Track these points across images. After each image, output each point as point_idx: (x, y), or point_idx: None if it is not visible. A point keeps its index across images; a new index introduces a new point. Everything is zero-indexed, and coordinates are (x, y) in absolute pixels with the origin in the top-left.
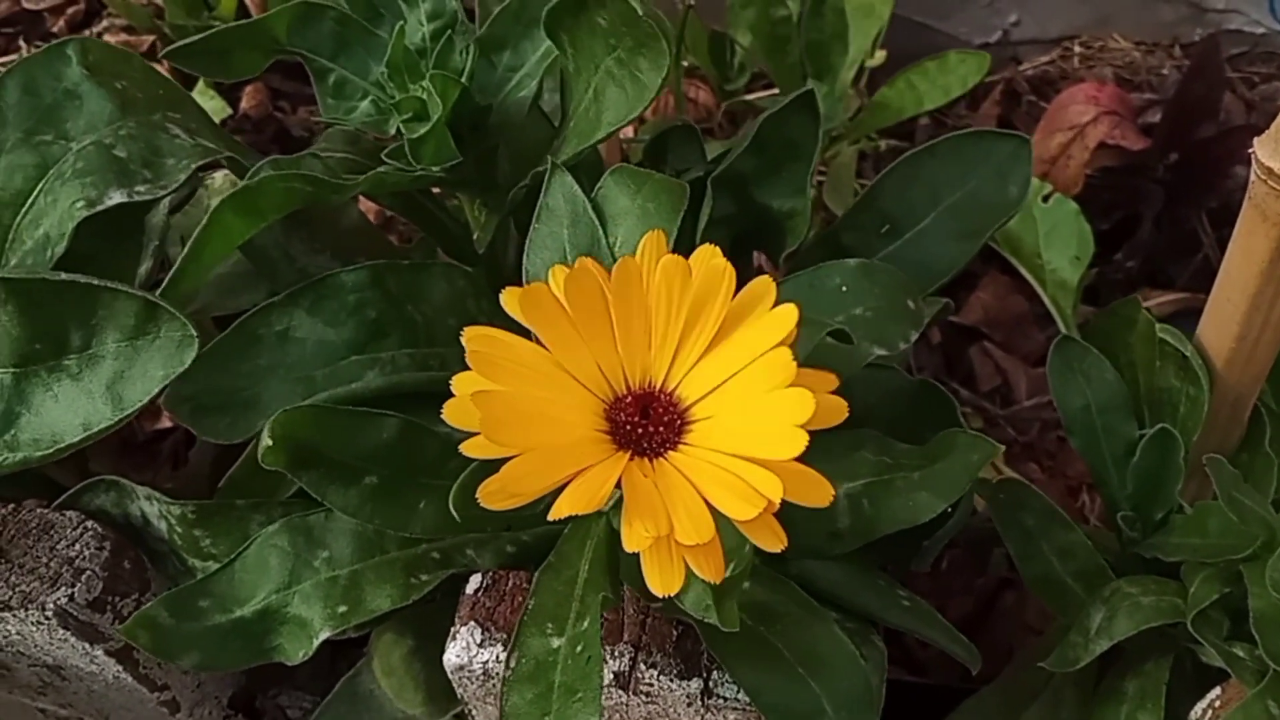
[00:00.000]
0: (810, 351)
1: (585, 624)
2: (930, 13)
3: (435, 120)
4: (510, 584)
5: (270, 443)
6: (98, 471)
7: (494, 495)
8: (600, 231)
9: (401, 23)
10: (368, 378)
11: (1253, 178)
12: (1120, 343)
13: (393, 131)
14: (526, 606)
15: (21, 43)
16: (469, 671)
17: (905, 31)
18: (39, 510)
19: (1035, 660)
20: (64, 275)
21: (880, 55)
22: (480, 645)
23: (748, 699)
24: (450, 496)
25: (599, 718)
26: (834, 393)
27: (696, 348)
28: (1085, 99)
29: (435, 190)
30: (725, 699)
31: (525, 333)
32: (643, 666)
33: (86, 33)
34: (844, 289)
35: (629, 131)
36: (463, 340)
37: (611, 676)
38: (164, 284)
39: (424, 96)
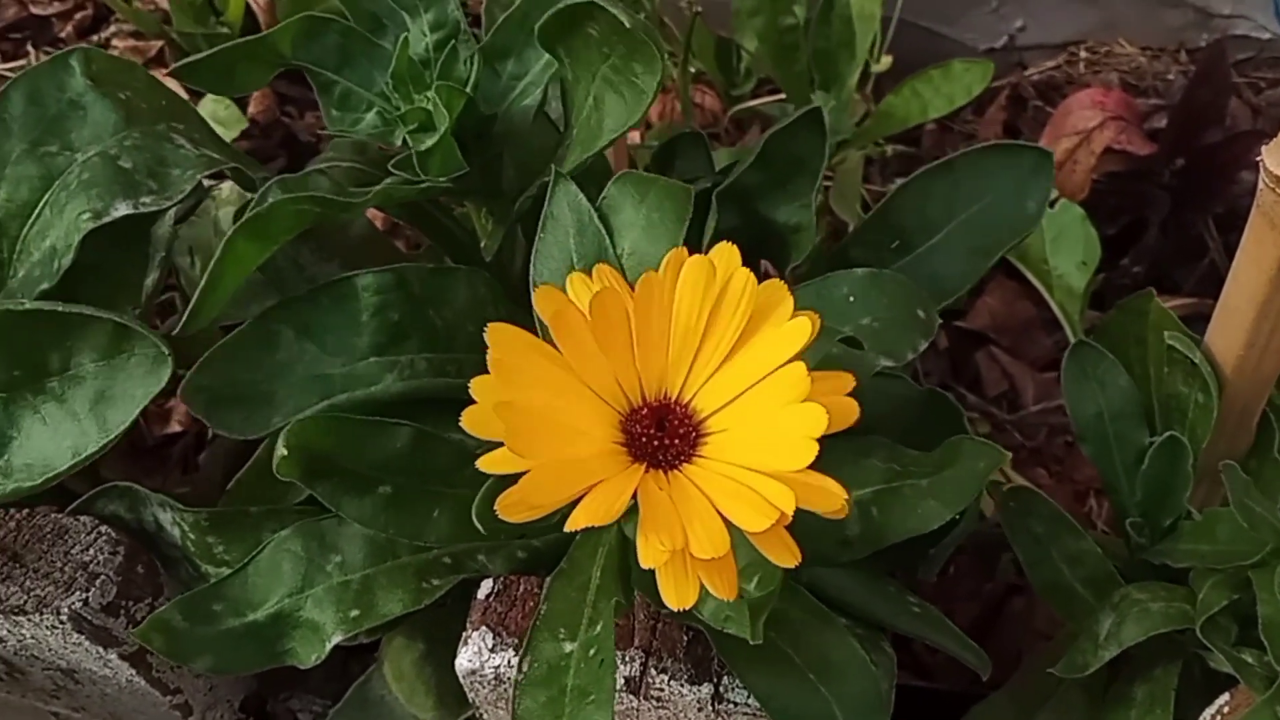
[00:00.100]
0: (820, 361)
1: (598, 629)
2: (936, 18)
3: (442, 132)
4: (521, 589)
5: (285, 453)
6: (109, 477)
7: (513, 508)
8: (607, 241)
9: (405, 34)
10: (386, 381)
11: (1260, 186)
12: (1132, 338)
13: (399, 142)
14: (539, 612)
15: (30, 48)
16: (481, 676)
17: (911, 37)
18: (53, 515)
19: (1044, 666)
20: (28, 304)
21: (886, 61)
22: (492, 650)
23: (758, 704)
24: (474, 508)
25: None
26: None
27: (714, 358)
28: (1091, 104)
29: (442, 198)
30: (736, 704)
31: (546, 338)
32: (653, 671)
33: (94, 38)
34: (851, 299)
35: (635, 137)
36: (486, 338)
37: (622, 681)
38: (184, 317)
39: (429, 107)
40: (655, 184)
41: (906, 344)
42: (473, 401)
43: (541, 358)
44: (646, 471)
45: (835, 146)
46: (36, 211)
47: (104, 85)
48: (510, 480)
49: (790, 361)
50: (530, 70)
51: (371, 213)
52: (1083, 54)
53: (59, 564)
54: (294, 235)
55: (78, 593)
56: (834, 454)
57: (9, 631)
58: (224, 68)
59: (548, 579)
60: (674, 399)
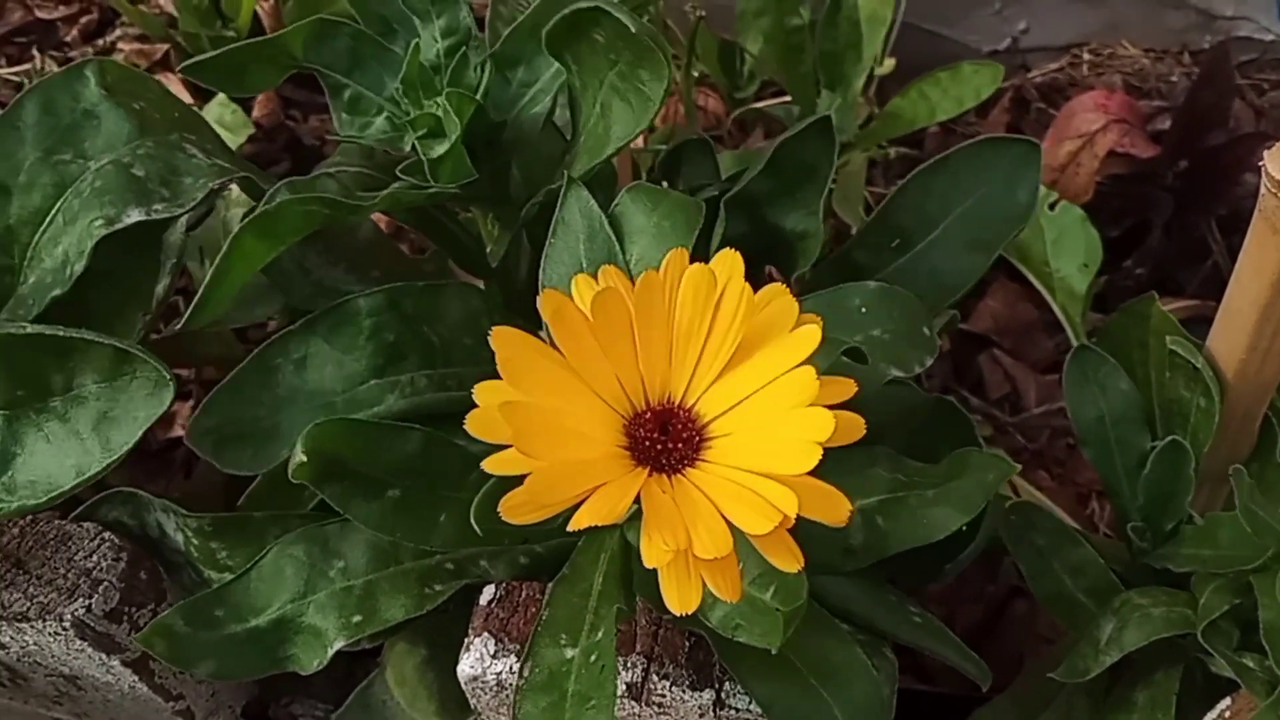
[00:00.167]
0: (826, 370)
1: (600, 634)
2: (939, 20)
3: (453, 139)
4: (524, 595)
5: (304, 458)
6: (112, 483)
7: (517, 509)
8: (617, 247)
9: (416, 39)
10: (388, 401)
11: (1263, 190)
12: (1134, 342)
13: (408, 148)
14: (541, 617)
15: (35, 52)
16: (483, 682)
17: (914, 39)
18: (56, 522)
19: (1046, 670)
20: (30, 328)
21: (889, 63)
22: (494, 656)
23: (760, 710)
24: (472, 510)
25: None
26: (850, 408)
27: (716, 363)
28: (1094, 106)
29: (448, 204)
30: (737, 710)
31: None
32: (655, 677)
33: (99, 42)
34: (863, 310)
35: (639, 141)
36: (491, 342)
37: (624, 687)
38: (189, 312)
39: (439, 113)
40: (667, 196)
41: (914, 358)
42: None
43: (546, 360)
44: (650, 475)
45: (840, 148)
46: (49, 219)
47: (118, 95)
48: (510, 484)
49: (799, 367)
50: (540, 78)
51: (377, 216)
52: (1086, 56)
53: (62, 570)
54: (301, 237)
55: (80, 599)
56: (840, 463)
57: (12, 638)
58: (235, 67)
59: (550, 585)
60: (677, 403)
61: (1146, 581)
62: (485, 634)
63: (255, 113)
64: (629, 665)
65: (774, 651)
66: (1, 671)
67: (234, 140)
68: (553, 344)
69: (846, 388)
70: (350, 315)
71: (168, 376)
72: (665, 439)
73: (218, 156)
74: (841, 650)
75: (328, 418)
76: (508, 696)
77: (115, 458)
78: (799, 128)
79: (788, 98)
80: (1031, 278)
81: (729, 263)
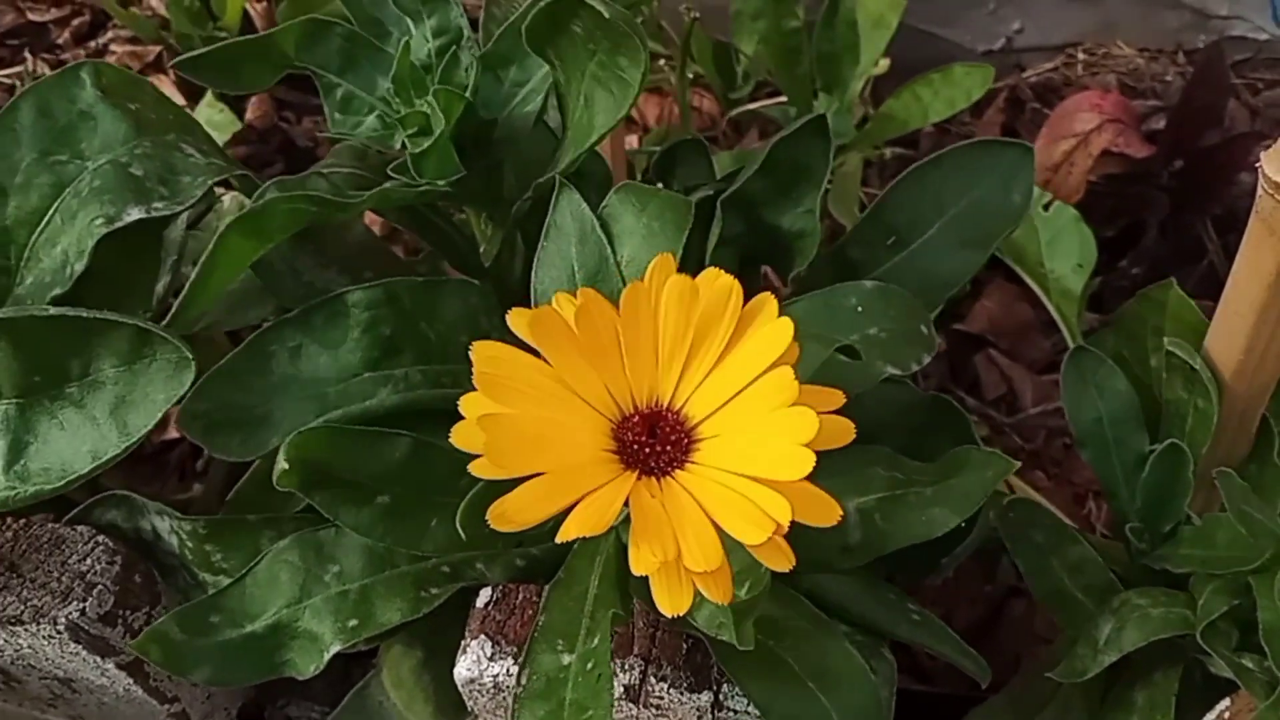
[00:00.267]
0: (823, 369)
1: (596, 641)
2: (934, 20)
3: (438, 134)
4: (520, 597)
5: (286, 466)
6: (107, 485)
7: (502, 519)
8: (608, 250)
9: (407, 39)
10: (381, 395)
11: (1259, 192)
12: (1151, 328)
13: (398, 146)
14: (537, 623)
15: (27, 54)
16: (479, 685)
17: (908, 39)
18: (50, 525)
19: (1044, 670)
20: (52, 311)
21: (884, 63)
22: (490, 659)
23: (758, 712)
24: (458, 517)
25: None
26: (846, 408)
27: (703, 365)
28: (1089, 106)
29: (440, 203)
30: (735, 712)
31: (534, 350)
32: (653, 679)
33: (91, 44)
34: (860, 309)
35: (634, 142)
36: (471, 356)
37: (622, 689)
38: (173, 309)
39: (428, 111)
40: (656, 195)
41: (911, 356)
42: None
43: (530, 369)
44: (639, 479)
45: (836, 149)
46: (46, 219)
47: (114, 97)
48: (497, 488)
49: (777, 366)
50: (532, 78)
51: (370, 219)
52: (1080, 56)
53: (56, 574)
54: (289, 235)
55: (75, 602)
56: (837, 462)
57: (6, 641)
58: (229, 64)
59: (546, 589)
60: (665, 405)
61: (1145, 582)
62: (482, 636)
63: (249, 115)
64: (627, 667)
65: (740, 647)
66: None
67: (221, 139)
68: (537, 353)
69: (834, 398)
70: (347, 307)
71: (189, 356)
72: (654, 441)
73: (213, 155)
74: (839, 653)
75: (315, 421)
76: (504, 699)
77: (133, 441)
78: (794, 126)
79: (783, 99)
80: (1027, 278)
81: (714, 276)
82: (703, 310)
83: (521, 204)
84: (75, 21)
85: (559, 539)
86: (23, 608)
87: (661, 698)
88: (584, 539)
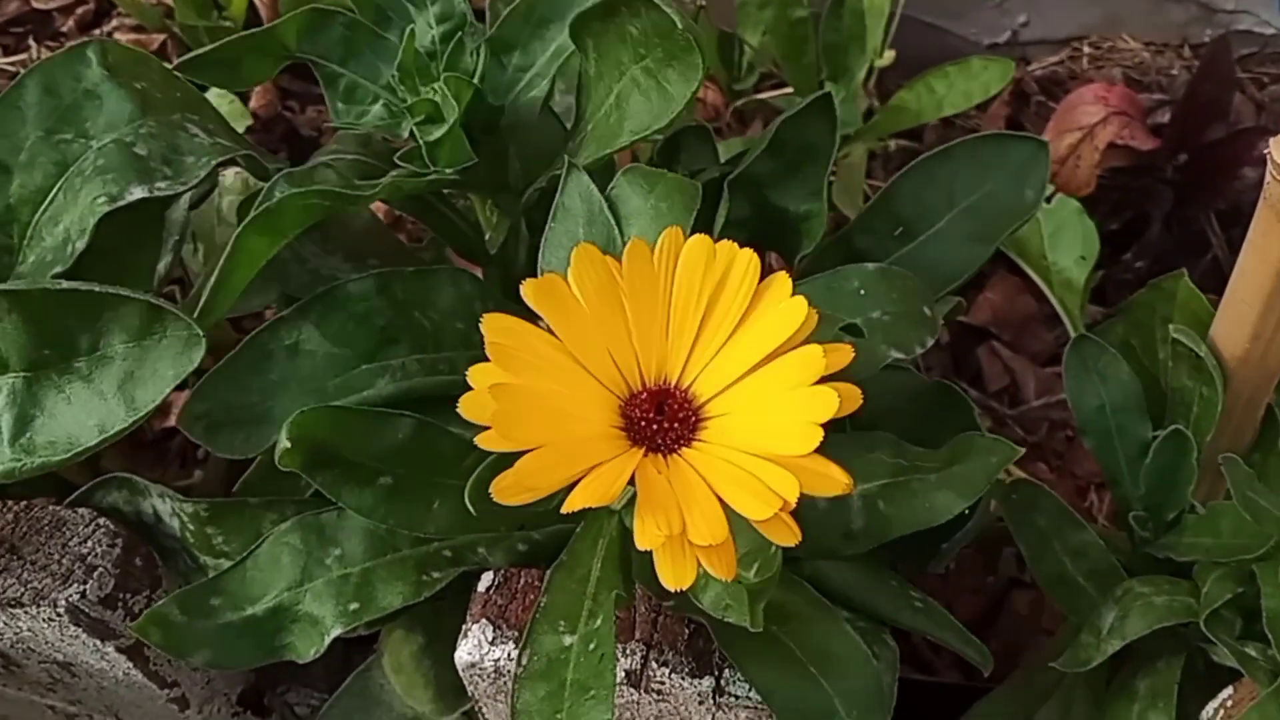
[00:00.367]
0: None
1: (598, 622)
2: (940, 13)
3: (451, 123)
4: (522, 582)
5: (289, 444)
6: (109, 469)
7: (508, 490)
8: (615, 231)
9: (411, 26)
10: (379, 385)
11: (1268, 178)
12: (1160, 318)
13: (405, 134)
14: (539, 604)
15: (31, 42)
16: (480, 669)
17: (914, 32)
18: (51, 507)
19: (1047, 659)
20: (65, 284)
21: (889, 55)
22: (492, 643)
23: (759, 698)
24: (466, 491)
25: (611, 715)
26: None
27: (714, 341)
28: (1094, 99)
29: (446, 191)
30: (737, 697)
31: (544, 329)
32: (654, 664)
33: (95, 32)
34: (862, 292)
35: None
36: (481, 328)
37: (623, 674)
38: (197, 311)
39: (437, 99)
40: (664, 177)
41: (914, 338)
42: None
43: (538, 343)
44: (645, 455)
45: (840, 141)
46: (50, 197)
47: (120, 76)
48: (505, 466)
49: (802, 344)
50: (536, 62)
51: (374, 205)
52: (1086, 49)
53: (56, 556)
54: (302, 229)
55: (75, 585)
56: (840, 447)
57: (5, 624)
58: (229, 61)
59: (548, 571)
60: (674, 383)
61: (1148, 571)
62: (483, 620)
63: (253, 104)
64: (628, 652)
65: (751, 629)
66: None
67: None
68: (548, 330)
69: (844, 354)
70: (341, 300)
71: (199, 334)
72: (661, 419)
73: (220, 136)
74: (841, 638)
75: (316, 404)
76: (505, 684)
77: (140, 415)
78: (799, 106)
79: (787, 90)
80: (1030, 271)
81: (727, 247)
82: (717, 281)
83: (531, 193)
84: (80, 9)
85: (564, 509)
86: (23, 590)
87: (663, 683)
88: (587, 521)
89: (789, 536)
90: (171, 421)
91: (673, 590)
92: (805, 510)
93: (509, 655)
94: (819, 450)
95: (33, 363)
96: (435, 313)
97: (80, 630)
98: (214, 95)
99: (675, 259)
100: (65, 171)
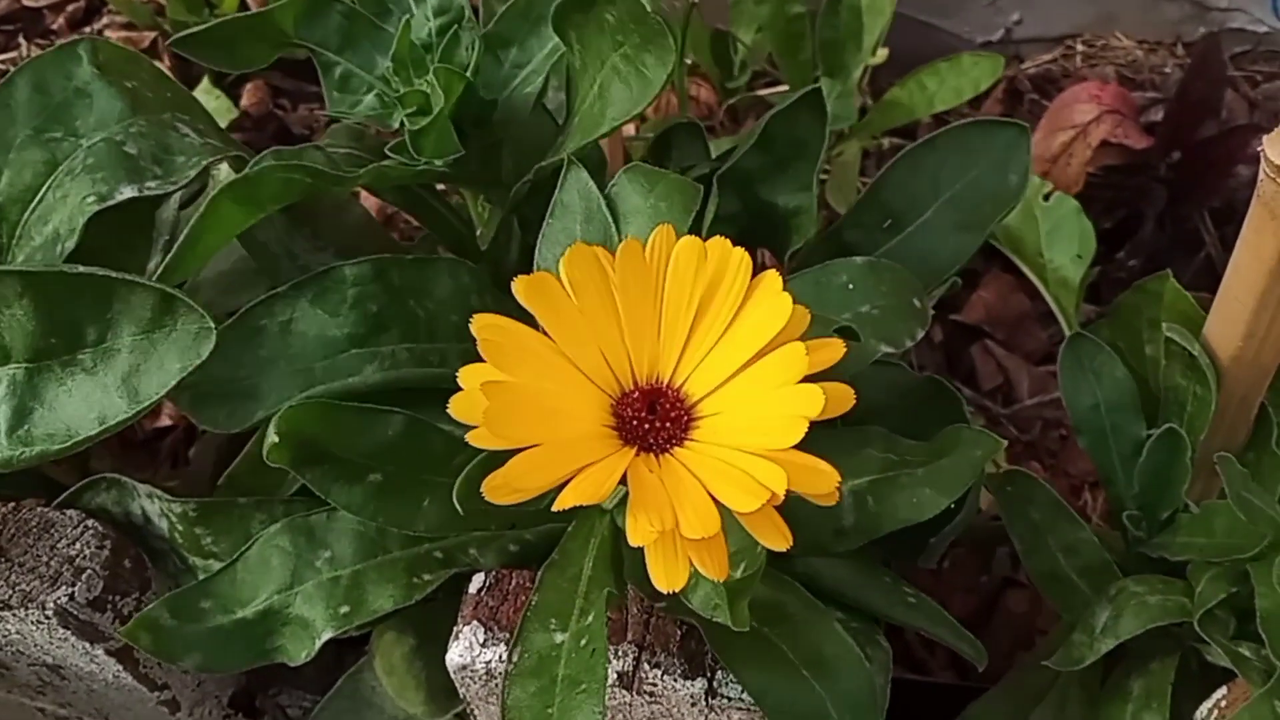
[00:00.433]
0: None
1: (589, 619)
2: (933, 11)
3: (437, 112)
4: (513, 583)
5: (276, 439)
6: (98, 470)
7: (499, 490)
8: (613, 228)
9: (408, 17)
10: (366, 372)
11: (1261, 176)
12: (1146, 320)
13: (397, 125)
14: (530, 602)
15: (21, 40)
16: (471, 671)
17: (907, 30)
18: (39, 509)
19: (1041, 659)
20: (81, 268)
21: (883, 53)
22: (483, 645)
23: (752, 699)
24: (454, 490)
25: (603, 709)
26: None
27: (706, 341)
28: (1088, 97)
29: (439, 187)
30: (729, 699)
31: (535, 328)
32: (646, 666)
33: (86, 30)
34: (850, 286)
35: (631, 129)
36: (472, 328)
37: (615, 676)
38: (159, 271)
39: (427, 90)
40: (664, 177)
41: (904, 331)
42: (460, 387)
43: (530, 342)
44: (637, 455)
45: (834, 138)
46: (39, 196)
47: (110, 74)
48: (495, 464)
49: (787, 342)
50: (532, 59)
51: (367, 201)
52: (1079, 47)
53: (45, 558)
54: (282, 205)
55: (63, 587)
56: (831, 443)
57: None
58: (225, 41)
59: (540, 569)
60: (666, 382)
61: (1142, 570)
62: (474, 622)
63: (244, 101)
64: (620, 654)
65: (734, 628)
66: None
67: None
68: (540, 330)
69: (834, 350)
70: (337, 282)
71: (211, 326)
72: (653, 418)
73: (210, 136)
74: (834, 639)
75: (299, 396)
76: (497, 685)
77: (142, 408)
78: (789, 101)
79: (781, 88)
80: (1025, 269)
81: (719, 245)
82: (709, 280)
83: (520, 186)
84: (70, 6)
85: (555, 507)
86: (10, 592)
87: (655, 684)
88: (578, 521)
89: (779, 539)
90: (162, 422)
91: (665, 591)
92: (796, 507)
93: (500, 657)
94: (808, 447)
95: (37, 352)
96: (431, 302)
97: (69, 633)
98: (200, 91)
99: (667, 258)
100: (55, 170)
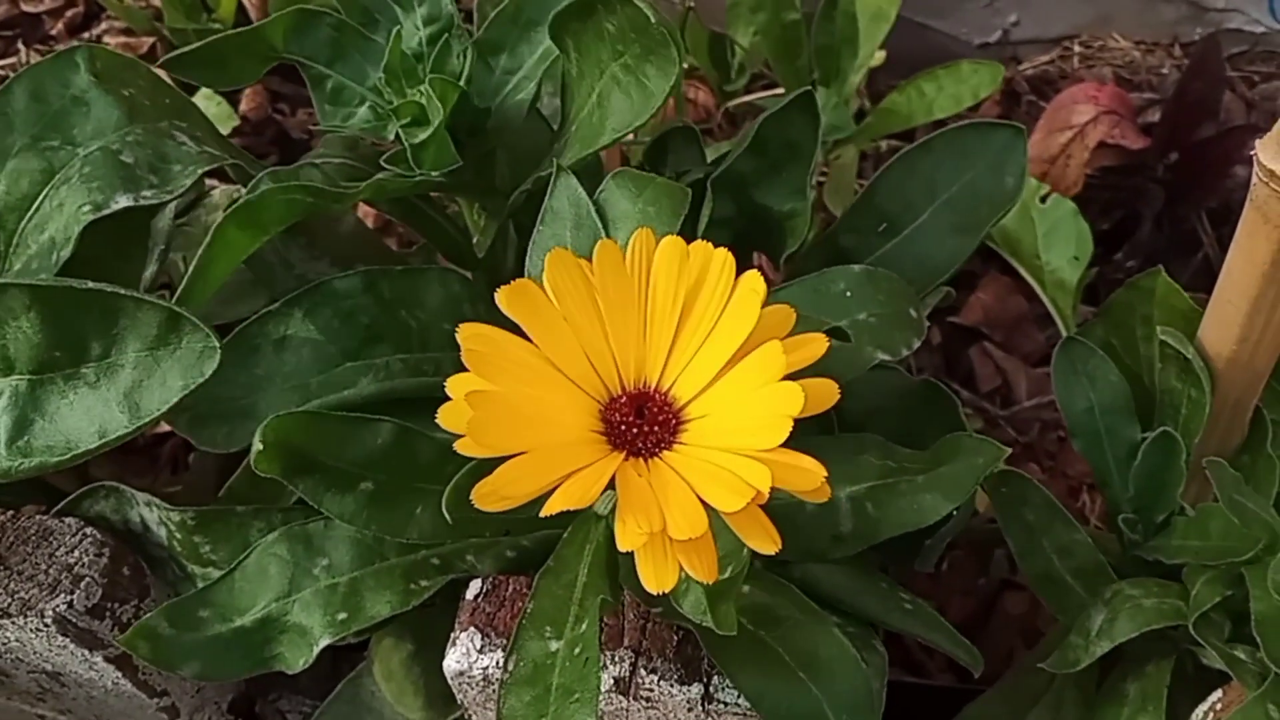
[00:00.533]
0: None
1: (584, 627)
2: (931, 12)
3: (436, 125)
4: (510, 589)
5: (261, 447)
6: (98, 477)
7: (488, 497)
8: (603, 234)
9: (398, 27)
10: (360, 384)
11: (1254, 180)
12: (1140, 317)
13: (391, 136)
14: (525, 610)
15: (20, 45)
16: (469, 677)
17: (905, 31)
18: (38, 517)
19: (1037, 662)
20: (90, 284)
21: (880, 55)
22: (480, 651)
23: (748, 704)
24: (444, 498)
25: (596, 718)
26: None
27: (692, 343)
28: (1085, 98)
29: (434, 195)
30: (726, 704)
31: (523, 337)
32: (643, 672)
33: (85, 35)
34: (848, 294)
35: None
36: (458, 337)
37: (612, 682)
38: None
39: (423, 101)
40: (652, 181)
41: (901, 340)
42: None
43: (516, 349)
44: (626, 459)
45: (833, 143)
46: (36, 204)
47: (108, 82)
48: (484, 472)
49: (766, 341)
50: (524, 65)
51: (363, 210)
52: (1077, 48)
53: (44, 566)
54: (285, 226)
55: (62, 595)
56: (828, 450)
57: None
58: (215, 59)
59: (535, 576)
60: (653, 387)
61: (1138, 573)
62: (471, 628)
63: (243, 106)
64: (617, 659)
65: (719, 631)
66: None
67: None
68: (525, 337)
69: (817, 346)
70: (328, 297)
71: (215, 345)
72: (641, 423)
73: (208, 144)
74: (830, 643)
75: (295, 406)
76: (494, 691)
77: (143, 423)
78: (781, 104)
79: (778, 91)
80: (1022, 270)
81: (703, 249)
82: (693, 282)
83: (518, 195)
84: (69, 13)
85: (544, 512)
86: (10, 600)
87: (652, 690)
88: (573, 527)
89: (768, 543)
90: (163, 428)
91: (654, 593)
92: (795, 514)
93: (497, 663)
94: (798, 446)
95: (41, 365)
96: (422, 313)
97: (68, 640)
98: (200, 97)
99: (649, 261)
100: (52, 179)
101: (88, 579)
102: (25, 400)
